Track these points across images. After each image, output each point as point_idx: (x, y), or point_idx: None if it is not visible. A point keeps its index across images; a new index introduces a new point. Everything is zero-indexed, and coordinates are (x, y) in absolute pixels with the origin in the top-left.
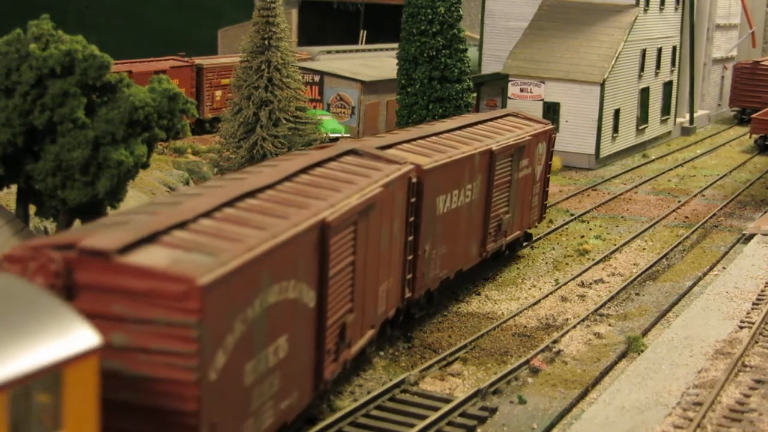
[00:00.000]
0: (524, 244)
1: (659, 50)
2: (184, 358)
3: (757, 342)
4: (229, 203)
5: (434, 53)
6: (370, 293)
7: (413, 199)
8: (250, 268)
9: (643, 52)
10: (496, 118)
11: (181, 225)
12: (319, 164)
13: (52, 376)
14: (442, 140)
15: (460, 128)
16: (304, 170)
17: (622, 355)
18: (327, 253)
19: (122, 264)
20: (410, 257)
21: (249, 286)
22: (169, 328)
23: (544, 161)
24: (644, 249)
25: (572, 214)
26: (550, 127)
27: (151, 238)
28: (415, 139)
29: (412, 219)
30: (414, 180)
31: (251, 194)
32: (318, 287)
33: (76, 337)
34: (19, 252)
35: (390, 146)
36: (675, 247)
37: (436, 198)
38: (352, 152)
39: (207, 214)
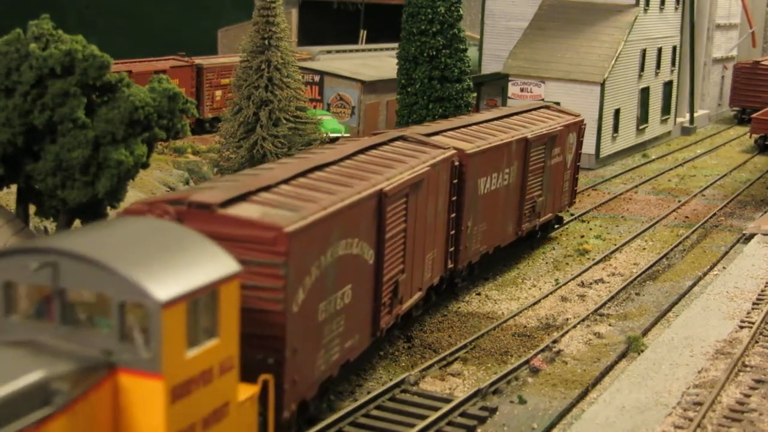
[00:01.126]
0: (555, 226)
1: (659, 50)
2: (273, 292)
3: (757, 342)
4: (302, 174)
5: (434, 53)
6: (418, 259)
7: (455, 180)
8: (324, 223)
9: (643, 52)
10: (531, 110)
11: (266, 188)
12: (373, 147)
13: (212, 292)
14: (482, 129)
15: (497, 119)
16: (361, 151)
17: (622, 355)
18: (384, 218)
19: (224, 215)
20: (453, 232)
21: (323, 238)
22: (261, 267)
23: (575, 150)
24: (644, 249)
25: (572, 214)
26: (581, 119)
27: (243, 197)
28: (457, 128)
29: (454, 198)
30: (456, 163)
31: (319, 168)
32: (376, 247)
33: (224, 263)
34: (136, 206)
35: (435, 134)
36: (675, 247)
37: (478, 180)
38: (401, 138)
39: (285, 182)
